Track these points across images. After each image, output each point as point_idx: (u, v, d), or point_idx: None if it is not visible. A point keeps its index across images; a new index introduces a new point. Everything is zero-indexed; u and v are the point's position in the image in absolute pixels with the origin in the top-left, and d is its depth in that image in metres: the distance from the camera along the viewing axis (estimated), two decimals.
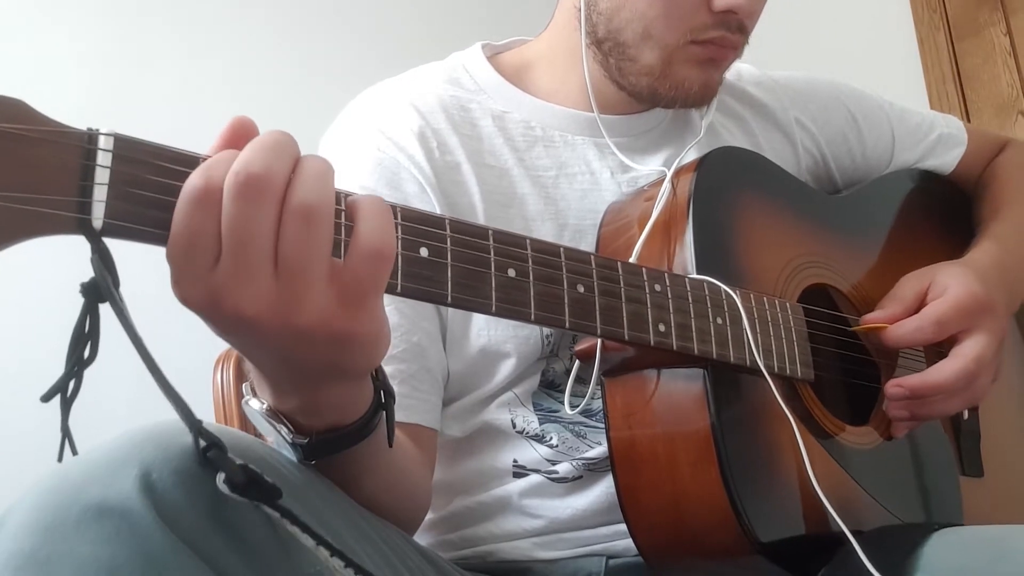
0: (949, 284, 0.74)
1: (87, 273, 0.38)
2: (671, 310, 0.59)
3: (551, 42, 0.84)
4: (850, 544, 0.59)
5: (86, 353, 0.38)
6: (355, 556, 0.41)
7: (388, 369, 0.67)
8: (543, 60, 0.83)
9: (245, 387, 0.50)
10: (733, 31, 0.74)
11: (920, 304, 0.74)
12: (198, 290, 0.39)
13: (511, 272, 0.50)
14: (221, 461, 0.37)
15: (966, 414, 0.79)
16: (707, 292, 0.62)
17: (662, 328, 0.58)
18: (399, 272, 0.45)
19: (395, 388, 0.66)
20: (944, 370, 0.70)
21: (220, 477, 0.36)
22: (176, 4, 1.84)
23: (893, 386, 0.70)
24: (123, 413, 1.42)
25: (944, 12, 1.77)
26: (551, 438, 0.73)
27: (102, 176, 0.36)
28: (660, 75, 0.75)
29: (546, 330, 0.73)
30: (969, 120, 1.70)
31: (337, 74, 1.93)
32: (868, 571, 0.58)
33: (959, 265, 0.79)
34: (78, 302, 0.38)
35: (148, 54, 1.77)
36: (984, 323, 0.73)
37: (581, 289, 0.54)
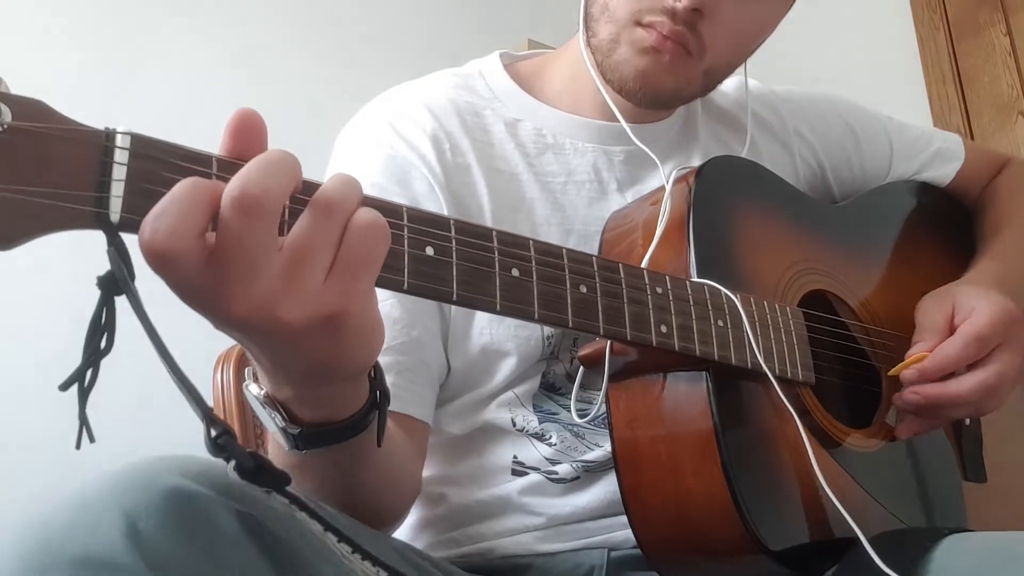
0: (975, 304, 0.74)
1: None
2: (672, 312, 0.60)
3: (567, 51, 0.85)
4: (858, 546, 0.60)
5: (103, 344, 0.38)
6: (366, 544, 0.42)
7: (385, 360, 0.68)
8: (557, 68, 0.85)
9: (248, 371, 0.51)
10: (679, 22, 0.71)
11: (951, 328, 0.74)
12: (192, 291, 0.40)
13: (515, 272, 0.51)
14: (231, 447, 0.37)
15: (967, 420, 0.79)
16: (708, 295, 0.63)
17: (664, 329, 0.59)
18: (405, 270, 0.46)
19: (391, 378, 0.68)
20: (965, 382, 0.71)
21: (231, 464, 0.37)
22: (181, 6, 1.85)
23: (911, 392, 0.70)
24: (133, 404, 1.44)
25: (944, 12, 1.79)
26: (551, 437, 0.74)
27: (119, 173, 0.38)
28: (607, 52, 0.75)
29: (547, 331, 0.74)
30: (969, 120, 1.72)
31: (338, 75, 1.96)
32: (878, 572, 0.58)
33: (970, 284, 0.79)
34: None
35: (150, 55, 1.78)
36: (1016, 336, 0.73)
37: (583, 289, 0.55)
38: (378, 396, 0.52)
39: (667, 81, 0.75)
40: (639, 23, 0.72)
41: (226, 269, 0.38)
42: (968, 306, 0.74)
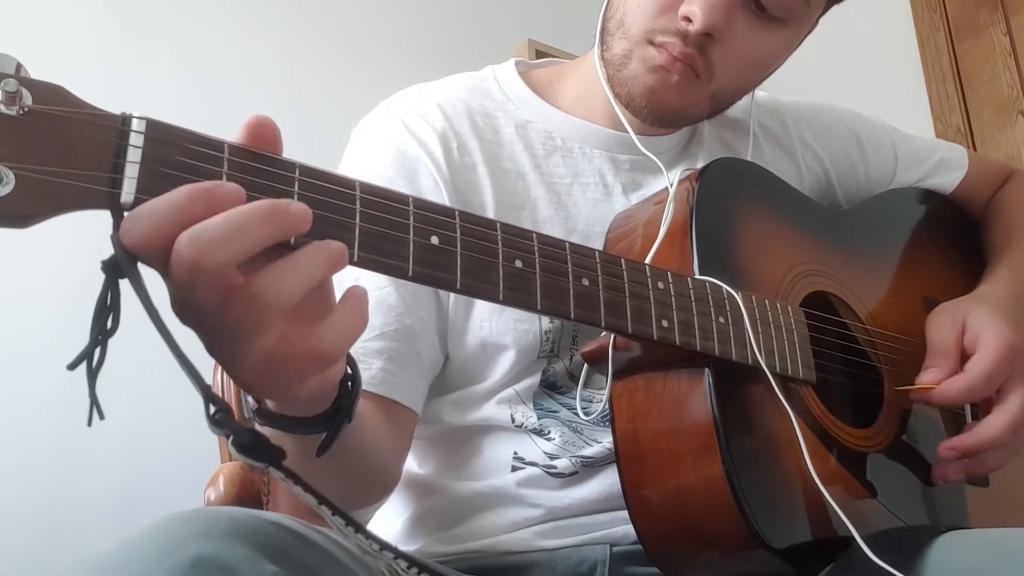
0: (981, 331, 0.75)
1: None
2: (674, 307, 0.61)
3: (582, 62, 0.87)
4: (854, 544, 0.60)
5: (108, 324, 0.40)
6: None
7: (377, 345, 0.70)
8: (572, 77, 0.87)
9: None
10: (689, 44, 0.73)
11: (961, 349, 0.75)
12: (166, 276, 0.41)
13: (518, 263, 0.52)
14: (227, 423, 0.38)
15: (968, 418, 0.80)
16: (709, 292, 0.64)
17: (665, 323, 0.60)
18: (411, 258, 0.47)
19: (380, 363, 0.69)
20: (994, 425, 0.72)
21: (229, 439, 0.38)
22: (185, 7, 1.87)
23: (946, 448, 0.72)
24: (137, 385, 1.45)
25: (944, 12, 1.80)
26: (550, 432, 0.75)
27: (134, 155, 0.39)
28: (618, 67, 0.77)
29: (545, 326, 0.75)
30: (969, 120, 1.73)
31: (339, 74, 1.98)
32: (872, 569, 0.58)
33: (982, 303, 0.80)
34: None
35: (157, 55, 1.80)
36: (1023, 367, 0.74)
37: (586, 283, 0.56)
38: (347, 399, 0.51)
39: (673, 100, 0.76)
40: (652, 42, 0.74)
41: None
42: (975, 330, 0.75)
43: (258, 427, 0.50)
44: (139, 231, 0.38)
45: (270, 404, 0.49)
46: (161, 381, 1.48)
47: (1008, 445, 0.72)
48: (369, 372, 0.69)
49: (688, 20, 0.72)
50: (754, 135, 0.90)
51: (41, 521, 1.46)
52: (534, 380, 0.76)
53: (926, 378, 0.74)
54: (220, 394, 0.97)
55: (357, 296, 0.44)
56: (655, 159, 0.80)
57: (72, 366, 0.39)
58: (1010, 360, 0.73)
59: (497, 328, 0.75)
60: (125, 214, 0.39)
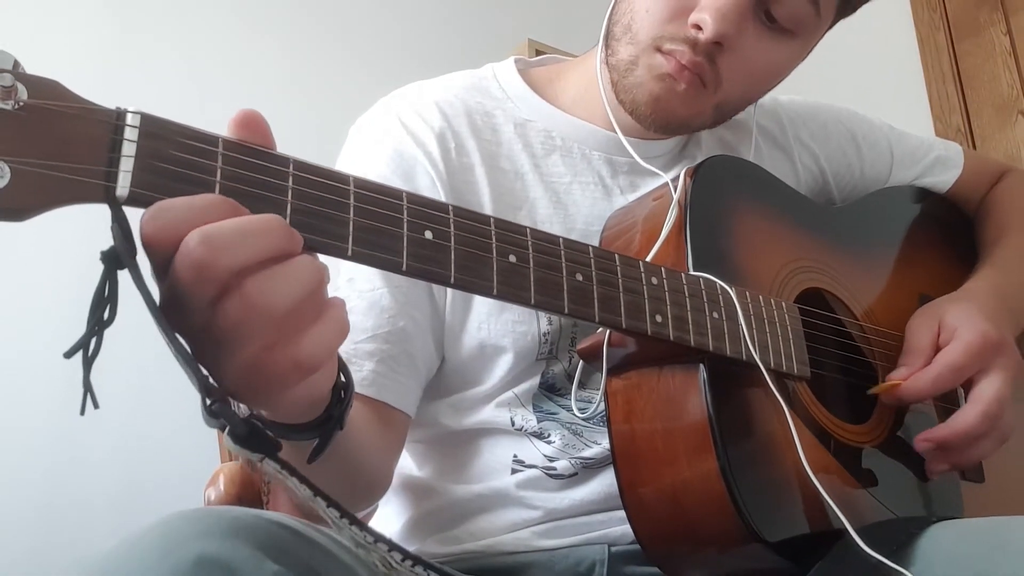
0: (957, 326, 0.75)
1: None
2: (668, 303, 0.61)
3: (583, 63, 0.87)
4: (846, 537, 0.60)
5: (106, 315, 0.40)
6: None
7: (369, 347, 0.70)
8: (573, 77, 0.87)
9: None
10: (699, 53, 0.72)
11: (936, 349, 0.75)
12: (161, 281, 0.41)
13: (512, 258, 0.52)
14: (225, 413, 0.39)
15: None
16: (703, 287, 0.64)
17: (659, 319, 0.60)
18: (404, 252, 0.47)
19: (372, 365, 0.69)
20: (967, 415, 0.72)
21: (226, 429, 0.38)
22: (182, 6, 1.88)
23: (921, 440, 0.72)
24: (133, 376, 1.46)
25: (944, 12, 1.80)
26: (550, 435, 0.75)
27: (129, 149, 0.39)
28: (623, 73, 0.77)
29: (543, 328, 0.75)
30: (969, 120, 1.73)
31: (339, 74, 1.98)
32: (865, 561, 0.58)
33: (962, 300, 0.80)
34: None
35: (153, 55, 1.80)
36: (997, 361, 0.74)
37: (579, 278, 0.56)
38: (335, 408, 0.50)
39: (678, 110, 0.76)
40: (659, 49, 0.73)
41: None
42: (951, 327, 0.75)
43: None
44: (155, 225, 0.39)
45: (263, 412, 0.49)
46: (161, 380, 1.48)
47: (987, 435, 0.72)
48: (360, 374, 0.69)
49: (698, 28, 0.71)
50: (754, 135, 0.90)
51: (41, 521, 1.46)
52: (533, 383, 0.76)
53: (896, 376, 0.74)
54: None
55: (338, 307, 0.44)
56: (649, 166, 0.80)
57: (68, 354, 0.39)
58: (982, 351, 0.73)
59: (495, 330, 0.74)
60: (124, 208, 0.40)
